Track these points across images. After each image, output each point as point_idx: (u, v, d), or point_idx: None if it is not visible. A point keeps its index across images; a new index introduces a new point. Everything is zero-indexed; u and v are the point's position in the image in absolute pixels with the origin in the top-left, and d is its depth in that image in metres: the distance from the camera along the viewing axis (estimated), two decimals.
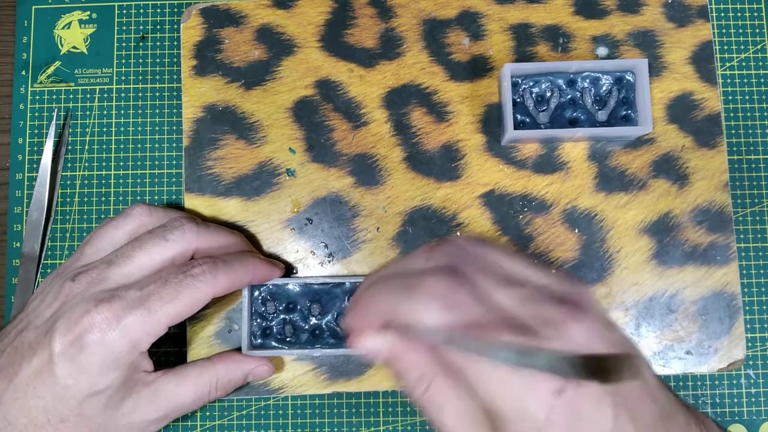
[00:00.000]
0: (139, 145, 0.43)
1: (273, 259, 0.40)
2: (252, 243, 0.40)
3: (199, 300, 0.33)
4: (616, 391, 0.24)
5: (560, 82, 0.40)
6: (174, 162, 0.43)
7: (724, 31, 0.43)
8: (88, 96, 0.43)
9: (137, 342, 0.32)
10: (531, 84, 0.40)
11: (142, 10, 0.44)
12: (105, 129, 0.43)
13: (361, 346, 0.27)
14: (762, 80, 0.43)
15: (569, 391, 0.24)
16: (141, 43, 0.44)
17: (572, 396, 0.24)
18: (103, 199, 0.42)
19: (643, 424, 0.25)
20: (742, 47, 0.43)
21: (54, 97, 0.43)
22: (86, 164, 0.43)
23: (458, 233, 0.40)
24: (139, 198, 0.42)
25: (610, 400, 0.24)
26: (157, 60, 0.44)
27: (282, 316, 0.39)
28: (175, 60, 0.43)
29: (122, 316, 0.32)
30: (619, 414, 0.24)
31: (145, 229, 0.36)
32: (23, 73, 0.43)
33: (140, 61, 0.44)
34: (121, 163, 0.43)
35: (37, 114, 0.43)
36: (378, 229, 0.41)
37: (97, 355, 0.31)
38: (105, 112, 0.43)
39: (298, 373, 0.40)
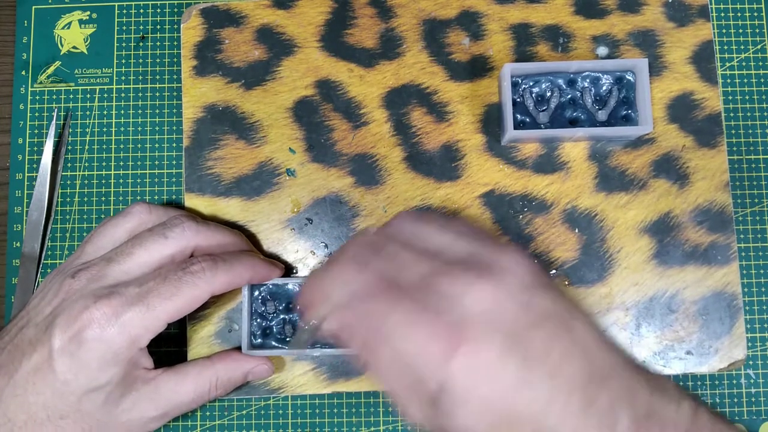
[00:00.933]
0: (139, 145, 0.43)
1: (273, 259, 0.40)
2: (252, 243, 0.40)
3: (198, 297, 0.33)
4: (525, 348, 0.25)
5: (560, 81, 0.40)
6: (174, 162, 0.43)
7: (724, 30, 0.43)
8: (88, 96, 0.43)
9: (136, 338, 0.32)
10: (531, 84, 0.40)
11: (142, 10, 0.44)
12: (105, 129, 0.43)
13: (311, 316, 0.30)
14: (762, 80, 0.43)
15: (462, 351, 0.25)
16: (141, 43, 0.44)
17: (466, 353, 0.25)
18: (103, 199, 0.42)
19: (569, 382, 0.25)
20: (743, 47, 0.43)
21: (54, 97, 0.43)
22: (86, 164, 0.43)
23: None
24: (139, 198, 0.42)
25: (517, 356, 0.25)
26: (157, 60, 0.44)
27: (282, 316, 0.39)
28: (175, 60, 0.43)
29: (121, 312, 0.32)
30: (528, 368, 0.25)
31: (145, 227, 0.36)
32: (23, 73, 0.43)
33: (140, 61, 0.44)
34: (121, 163, 0.43)
35: (37, 114, 0.43)
36: None
37: (96, 350, 0.31)
38: (105, 112, 0.43)
39: (298, 373, 0.40)
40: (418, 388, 0.26)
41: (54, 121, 0.42)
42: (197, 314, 0.40)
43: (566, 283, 0.40)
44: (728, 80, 0.43)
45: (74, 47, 0.44)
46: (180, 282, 0.33)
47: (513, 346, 0.25)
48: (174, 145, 0.43)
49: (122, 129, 0.43)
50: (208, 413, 0.40)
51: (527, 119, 0.40)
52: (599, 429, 0.25)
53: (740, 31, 0.43)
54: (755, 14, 0.44)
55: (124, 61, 0.44)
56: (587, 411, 0.25)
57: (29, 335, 0.32)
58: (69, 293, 0.33)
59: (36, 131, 0.43)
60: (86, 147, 0.43)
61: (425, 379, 0.25)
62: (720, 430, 0.27)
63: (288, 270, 0.40)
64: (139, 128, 0.43)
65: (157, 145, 0.43)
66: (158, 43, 0.44)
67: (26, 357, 0.32)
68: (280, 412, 0.41)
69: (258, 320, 0.38)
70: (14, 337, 0.33)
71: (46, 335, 0.32)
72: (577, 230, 0.41)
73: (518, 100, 0.40)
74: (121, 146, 0.43)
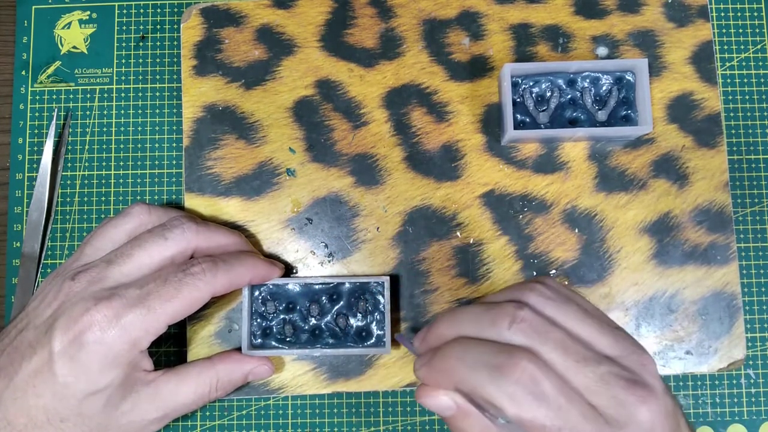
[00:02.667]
0: (139, 145, 0.43)
1: (273, 259, 0.40)
2: (252, 243, 0.40)
3: (199, 299, 0.33)
4: None
5: (560, 82, 0.40)
6: (174, 162, 0.43)
7: (724, 31, 0.43)
8: (88, 96, 0.43)
9: (137, 340, 0.32)
10: (531, 84, 0.40)
11: (142, 10, 0.44)
12: (105, 129, 0.43)
13: (430, 401, 0.29)
14: (762, 80, 0.43)
15: None
16: (141, 43, 0.44)
17: None
18: (103, 199, 0.42)
19: None
20: (742, 47, 0.43)
21: (54, 97, 0.43)
22: (86, 164, 0.43)
23: (458, 234, 0.40)
24: (139, 198, 0.42)
25: None
26: (157, 60, 0.44)
27: (282, 316, 0.39)
28: (175, 60, 0.43)
29: (122, 315, 0.32)
30: None
31: (145, 228, 0.36)
32: (23, 73, 0.43)
33: (140, 61, 0.44)
34: (121, 163, 0.43)
35: (37, 114, 0.43)
36: (378, 228, 0.41)
37: (96, 353, 0.31)
38: (105, 112, 0.43)
39: (297, 373, 0.40)
40: None
41: (54, 121, 0.42)
42: (197, 314, 0.40)
43: (565, 283, 0.40)
44: (728, 80, 0.43)
45: (74, 47, 0.44)
46: (180, 284, 0.33)
47: None
48: (174, 145, 0.43)
49: (122, 129, 0.43)
50: (208, 413, 0.41)
51: (527, 119, 0.40)
52: None
53: (740, 31, 0.43)
54: (755, 14, 0.44)
55: (124, 61, 0.44)
56: None
57: (29, 338, 0.32)
58: (69, 295, 0.33)
59: (36, 131, 0.43)
60: (86, 147, 0.43)
61: None
62: None
63: (288, 270, 0.40)
64: (139, 128, 0.43)
65: (157, 145, 0.43)
66: (158, 43, 0.44)
67: (26, 360, 0.32)
68: (280, 412, 0.41)
69: (258, 320, 0.38)
70: (13, 339, 0.33)
71: (46, 338, 0.32)
72: (577, 230, 0.41)
73: (518, 100, 0.40)
74: (121, 146, 0.43)
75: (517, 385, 0.27)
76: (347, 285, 0.39)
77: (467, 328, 0.30)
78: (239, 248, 0.38)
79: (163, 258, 0.34)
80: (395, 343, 0.39)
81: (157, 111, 0.43)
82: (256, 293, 0.39)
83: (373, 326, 0.38)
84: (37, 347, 0.32)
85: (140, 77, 0.43)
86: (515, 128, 0.39)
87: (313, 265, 0.41)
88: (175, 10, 0.44)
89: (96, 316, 0.31)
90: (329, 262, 0.41)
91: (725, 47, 0.43)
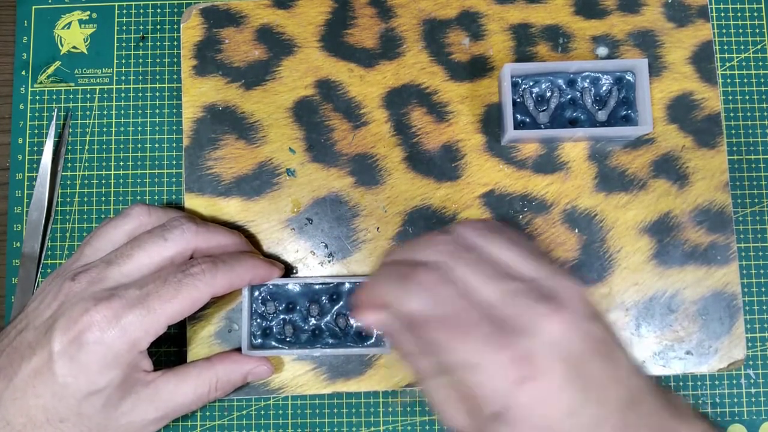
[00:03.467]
0: (139, 145, 0.43)
1: (273, 259, 0.40)
2: (252, 243, 0.40)
3: (199, 299, 0.33)
4: (582, 376, 0.27)
5: (560, 82, 0.40)
6: (174, 162, 0.43)
7: (724, 31, 0.43)
8: (88, 96, 0.43)
9: (136, 341, 0.32)
10: (531, 84, 0.40)
11: (142, 10, 0.44)
12: (105, 129, 0.43)
13: (361, 319, 0.32)
14: (762, 80, 0.43)
15: (533, 379, 0.27)
16: (141, 43, 0.44)
17: (536, 383, 0.27)
18: (103, 199, 0.42)
19: (610, 407, 0.27)
20: (742, 47, 0.43)
21: (54, 97, 0.43)
22: (86, 164, 0.43)
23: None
24: (139, 198, 0.42)
25: (575, 385, 0.27)
26: (157, 60, 0.44)
27: (282, 316, 0.39)
28: (175, 60, 0.43)
29: (122, 315, 0.32)
30: (585, 397, 0.27)
31: (144, 228, 0.36)
32: (23, 73, 0.43)
33: (140, 61, 0.44)
34: (121, 163, 0.43)
35: (37, 114, 0.43)
36: (378, 229, 0.41)
37: (96, 353, 0.31)
38: (105, 112, 0.43)
39: (298, 373, 0.40)
40: (474, 405, 0.28)
41: (54, 121, 0.42)
42: (197, 314, 0.40)
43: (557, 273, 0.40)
44: (728, 80, 0.43)
45: (74, 47, 0.44)
46: (180, 284, 0.33)
47: (574, 376, 0.27)
48: (174, 145, 0.43)
49: (122, 129, 0.43)
50: (208, 413, 0.41)
51: (527, 119, 0.40)
52: None
53: (740, 31, 0.43)
54: (755, 14, 0.44)
55: (124, 61, 0.44)
56: None
57: (29, 338, 0.32)
58: (69, 296, 0.33)
59: (36, 131, 0.43)
60: (86, 147, 0.43)
61: (488, 400, 0.27)
62: None
63: (288, 270, 0.40)
64: (139, 128, 0.43)
65: (157, 145, 0.43)
66: (158, 43, 0.44)
67: (26, 360, 0.32)
68: (280, 412, 0.41)
69: (258, 320, 0.38)
70: (13, 340, 0.33)
71: (46, 338, 0.32)
72: (577, 230, 0.41)
73: (518, 100, 0.40)
74: (121, 146, 0.43)
75: (418, 287, 0.29)
76: (347, 285, 0.39)
77: (400, 254, 0.32)
78: (239, 248, 0.38)
79: (163, 258, 0.34)
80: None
81: (157, 111, 0.43)
82: (256, 293, 0.39)
83: None
84: (36, 348, 0.32)
85: (140, 77, 0.43)
86: (515, 128, 0.39)
87: (313, 265, 0.41)
88: (175, 10, 0.44)
89: (96, 317, 0.31)
90: (329, 262, 0.41)
91: (725, 47, 0.43)
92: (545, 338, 0.27)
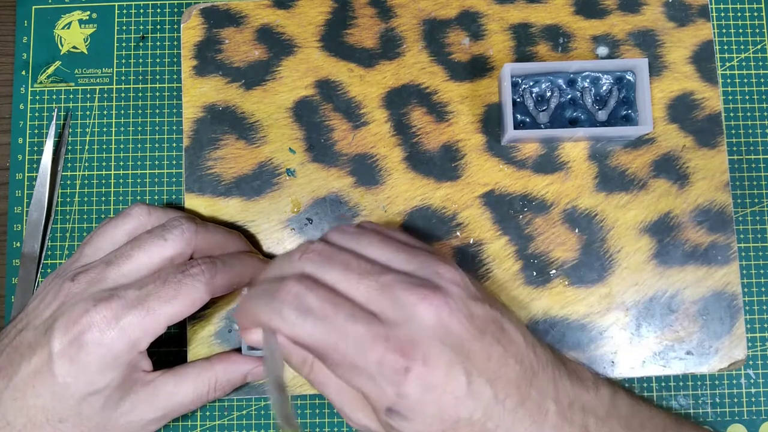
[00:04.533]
0: (139, 145, 0.43)
1: (272, 259, 0.40)
2: (252, 243, 0.40)
3: (198, 300, 0.33)
4: (469, 358, 0.28)
5: (560, 81, 0.40)
6: (174, 162, 0.43)
7: (724, 30, 0.43)
8: (88, 96, 0.43)
9: (136, 341, 0.32)
10: (531, 84, 0.40)
11: (142, 10, 0.44)
12: (105, 129, 0.43)
13: (246, 339, 0.31)
14: (762, 80, 0.43)
15: (416, 368, 0.27)
16: (141, 43, 0.44)
17: (420, 371, 0.27)
18: (103, 199, 0.42)
19: (506, 385, 0.28)
20: (743, 47, 0.43)
21: (54, 97, 0.43)
22: (86, 164, 0.43)
23: (458, 234, 0.40)
24: (139, 198, 0.42)
25: (462, 368, 0.28)
26: (157, 60, 0.44)
27: None
28: (175, 60, 0.43)
29: (121, 316, 0.32)
30: (473, 379, 0.28)
31: (144, 228, 0.36)
32: (23, 73, 0.43)
33: (140, 61, 0.44)
34: (121, 163, 0.43)
35: (37, 114, 0.43)
36: None
37: (95, 354, 0.31)
38: (105, 112, 0.43)
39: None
40: (371, 404, 0.28)
41: (54, 121, 0.42)
42: (197, 314, 0.40)
43: (566, 283, 0.40)
44: (728, 80, 0.43)
45: (74, 47, 0.44)
46: (180, 285, 0.33)
47: (460, 359, 0.28)
48: (174, 145, 0.43)
49: (122, 129, 0.43)
50: (208, 413, 0.41)
51: (527, 119, 0.40)
52: (531, 423, 0.29)
53: (740, 31, 0.43)
54: (755, 14, 0.44)
55: (124, 61, 0.44)
56: (521, 408, 0.29)
57: (28, 338, 0.32)
58: (68, 296, 0.33)
59: (36, 131, 0.43)
60: (86, 147, 0.43)
61: (379, 398, 0.28)
62: (638, 410, 0.32)
63: None
64: (139, 128, 0.43)
65: (157, 145, 0.43)
66: (158, 43, 0.44)
67: (25, 360, 0.32)
68: None
69: None
70: (13, 339, 0.33)
71: (46, 338, 0.32)
72: (577, 230, 0.41)
73: (518, 100, 0.40)
74: (121, 146, 0.43)
75: (282, 304, 0.29)
76: None
77: (271, 270, 0.32)
78: (239, 248, 0.38)
79: (163, 258, 0.34)
80: None
81: (157, 111, 0.43)
82: None
83: None
84: (36, 348, 0.32)
85: (140, 77, 0.43)
86: (515, 128, 0.39)
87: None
88: (175, 10, 0.44)
89: (95, 317, 0.31)
90: None
91: (725, 47, 0.43)
92: (421, 324, 0.28)
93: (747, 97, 0.43)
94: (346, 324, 0.28)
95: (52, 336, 0.31)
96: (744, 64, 0.43)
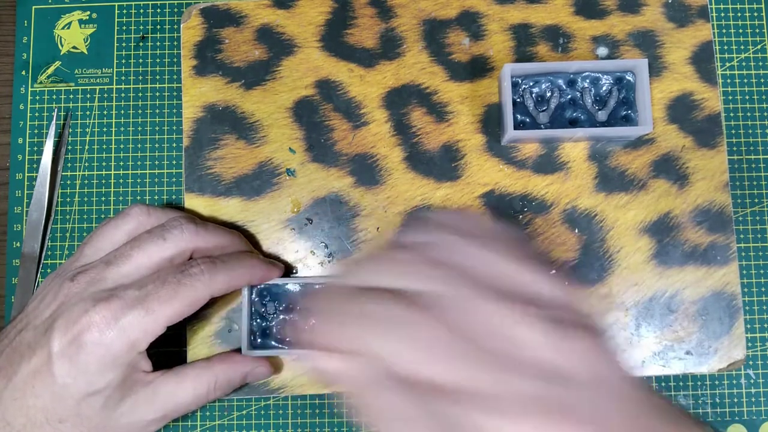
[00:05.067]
0: (139, 145, 0.43)
1: (273, 259, 0.40)
2: (252, 243, 0.40)
3: (198, 300, 0.33)
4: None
5: (560, 82, 0.40)
6: (174, 162, 0.43)
7: (724, 31, 0.43)
8: (88, 96, 0.43)
9: (135, 342, 0.32)
10: (531, 84, 0.40)
11: (142, 10, 0.44)
12: (105, 129, 0.43)
13: (322, 364, 0.24)
14: (762, 80, 0.43)
15: None
16: (141, 43, 0.44)
17: None
18: (103, 199, 0.42)
19: None
20: (742, 47, 0.43)
21: (54, 97, 0.43)
22: (86, 164, 0.43)
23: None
24: (139, 198, 0.42)
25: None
26: (157, 60, 0.44)
27: (282, 316, 0.39)
28: (175, 60, 0.43)
29: (120, 316, 0.32)
30: None
31: (144, 229, 0.36)
32: (23, 73, 0.43)
33: (140, 61, 0.44)
34: (121, 163, 0.43)
35: (37, 114, 0.43)
36: (378, 229, 0.41)
37: (95, 354, 0.31)
38: (105, 112, 0.43)
39: (298, 373, 0.40)
40: None
41: (54, 121, 0.42)
42: (197, 314, 0.39)
43: (566, 283, 0.40)
44: (728, 80, 0.43)
45: (74, 47, 0.44)
46: (179, 285, 0.33)
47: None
48: (174, 145, 0.43)
49: (122, 129, 0.43)
50: (208, 413, 0.41)
51: (527, 119, 0.40)
52: None
53: (740, 31, 0.43)
54: (755, 14, 0.44)
55: (124, 61, 0.43)
56: None
57: (28, 338, 0.32)
58: (68, 296, 0.33)
59: (36, 131, 0.43)
60: (86, 147, 0.43)
61: None
62: None
63: (288, 270, 0.40)
64: (139, 128, 0.43)
65: (157, 145, 0.43)
66: (158, 43, 0.44)
67: (25, 360, 0.32)
68: (280, 412, 0.41)
69: (258, 320, 0.38)
70: (12, 340, 0.33)
71: (45, 338, 0.32)
72: (576, 230, 0.41)
73: (518, 100, 0.40)
74: (121, 146, 0.43)
75: (426, 350, 0.22)
76: None
77: (361, 275, 0.25)
78: (238, 248, 0.38)
79: (162, 259, 0.34)
80: None
81: (157, 111, 0.43)
82: (256, 294, 0.39)
83: None
84: (36, 348, 0.32)
85: (140, 77, 0.43)
86: (515, 128, 0.39)
87: (313, 265, 0.41)
88: (175, 10, 0.44)
89: (95, 318, 0.31)
90: (329, 262, 0.41)
91: (725, 47, 0.43)
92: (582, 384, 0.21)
93: (747, 98, 0.43)
94: (512, 384, 0.21)
95: (51, 336, 0.31)
96: (744, 64, 0.43)
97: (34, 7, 0.44)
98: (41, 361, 0.31)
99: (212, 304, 0.40)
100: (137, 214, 0.36)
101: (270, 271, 0.37)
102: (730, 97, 0.43)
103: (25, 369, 0.31)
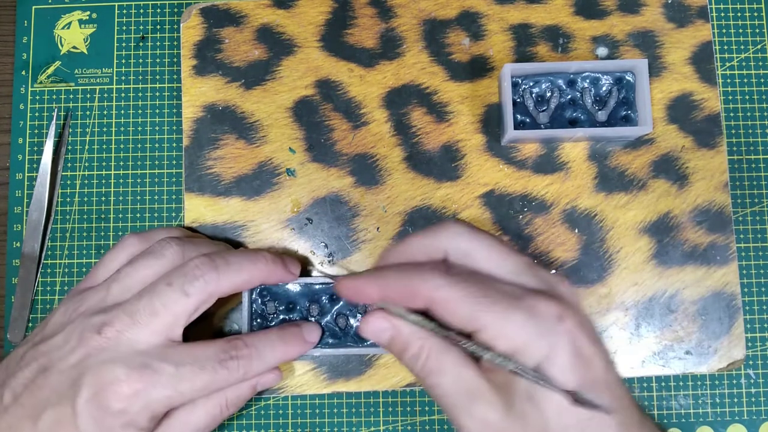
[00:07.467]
0: (139, 145, 0.43)
1: (289, 255, 0.39)
2: (251, 243, 0.40)
3: (218, 388, 0.34)
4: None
5: (560, 82, 0.40)
6: (174, 162, 0.43)
7: (724, 31, 0.43)
8: (88, 96, 0.43)
9: (159, 413, 0.33)
10: (531, 84, 0.40)
11: (142, 10, 0.44)
12: (105, 129, 0.43)
13: (370, 326, 0.31)
14: (762, 80, 0.43)
15: (568, 319, 0.29)
16: (141, 43, 0.44)
17: (571, 323, 0.28)
18: (103, 199, 0.42)
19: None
20: (742, 47, 0.43)
21: (54, 97, 0.43)
22: (86, 164, 0.43)
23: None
24: (139, 198, 0.42)
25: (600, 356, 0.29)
26: (157, 60, 0.44)
27: (282, 316, 0.39)
28: (175, 60, 0.43)
29: (151, 391, 0.32)
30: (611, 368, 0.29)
31: (171, 266, 0.35)
32: (23, 73, 0.43)
33: (140, 61, 0.44)
34: (121, 163, 0.43)
35: (37, 114, 0.43)
36: (378, 229, 0.41)
37: (119, 419, 0.31)
38: (105, 112, 0.43)
39: (298, 373, 0.40)
40: (520, 344, 0.28)
41: (54, 121, 0.42)
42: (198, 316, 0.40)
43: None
44: (728, 80, 0.43)
45: (74, 47, 0.44)
46: (215, 374, 0.33)
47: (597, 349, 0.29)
48: (174, 145, 0.43)
49: (122, 129, 0.43)
50: None
51: (527, 119, 0.40)
52: None
53: (740, 31, 0.43)
54: (755, 14, 0.44)
55: (124, 61, 0.44)
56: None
57: (53, 383, 0.32)
58: (96, 349, 0.32)
59: (36, 131, 0.43)
60: (86, 147, 0.43)
61: (534, 337, 0.28)
62: None
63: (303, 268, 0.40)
64: (139, 128, 0.43)
65: (157, 145, 0.43)
66: (158, 43, 0.44)
67: (51, 406, 0.31)
68: (280, 412, 0.41)
69: (258, 320, 0.38)
70: (36, 376, 0.32)
71: (72, 391, 0.31)
72: (576, 230, 0.41)
73: (518, 100, 0.40)
74: (121, 146, 0.43)
75: (431, 272, 0.30)
76: None
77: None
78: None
79: (187, 313, 0.34)
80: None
81: (157, 111, 0.43)
82: (256, 293, 0.39)
83: None
84: (62, 399, 0.31)
85: (140, 77, 0.43)
86: (515, 128, 0.39)
87: (313, 265, 0.41)
88: (175, 10, 0.44)
89: (125, 390, 0.31)
90: (329, 262, 0.41)
91: (725, 47, 0.43)
92: (567, 298, 0.30)
93: (747, 98, 0.43)
94: (498, 285, 0.29)
95: (78, 392, 0.31)
96: (744, 64, 0.43)
97: (34, 7, 0.44)
98: (66, 414, 0.31)
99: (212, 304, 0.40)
100: (172, 253, 0.35)
101: (283, 274, 0.37)
102: (730, 97, 0.43)
103: (50, 415, 0.31)
